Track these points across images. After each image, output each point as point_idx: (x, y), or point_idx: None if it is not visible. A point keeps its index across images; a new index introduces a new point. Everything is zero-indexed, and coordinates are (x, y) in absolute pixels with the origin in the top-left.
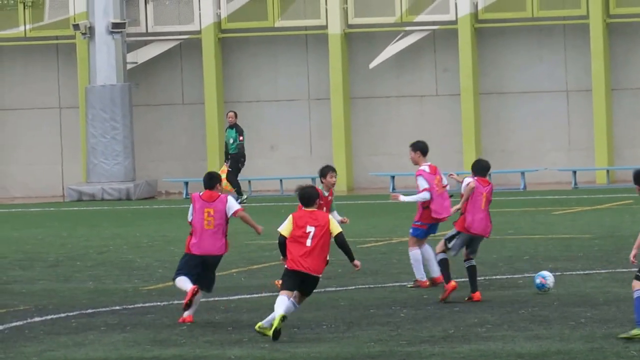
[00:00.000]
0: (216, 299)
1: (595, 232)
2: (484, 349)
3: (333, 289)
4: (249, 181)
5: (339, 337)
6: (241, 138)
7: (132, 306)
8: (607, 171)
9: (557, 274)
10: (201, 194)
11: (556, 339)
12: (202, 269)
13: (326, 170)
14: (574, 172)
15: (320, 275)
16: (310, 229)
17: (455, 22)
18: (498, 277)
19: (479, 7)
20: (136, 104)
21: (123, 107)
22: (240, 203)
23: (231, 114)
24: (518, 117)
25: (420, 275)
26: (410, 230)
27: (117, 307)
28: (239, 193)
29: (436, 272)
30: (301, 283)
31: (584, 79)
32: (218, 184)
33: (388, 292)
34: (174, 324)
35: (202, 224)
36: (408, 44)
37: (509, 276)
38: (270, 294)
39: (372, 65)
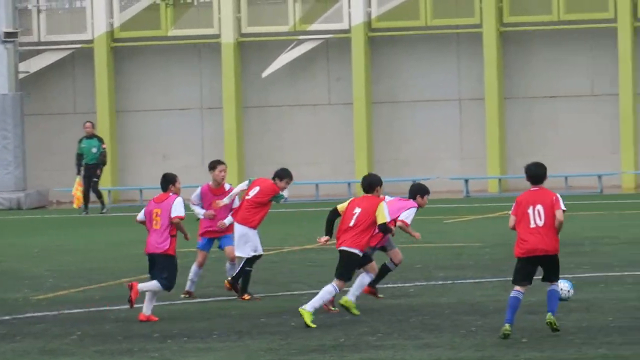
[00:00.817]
0: (107, 308)
1: (486, 240)
2: (375, 358)
3: (224, 298)
4: (140, 190)
5: (229, 347)
6: (104, 146)
7: (22, 316)
8: (499, 180)
9: (448, 282)
10: (155, 197)
11: (447, 347)
12: (152, 268)
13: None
14: (466, 181)
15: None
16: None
17: (348, 31)
18: (389, 285)
19: (373, 16)
20: (29, 113)
21: (15, 116)
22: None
23: (89, 124)
24: (411, 126)
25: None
26: None
27: (7, 317)
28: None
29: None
30: None
31: (477, 88)
32: (171, 185)
33: (279, 301)
34: (64, 334)
35: (151, 224)
36: (301, 53)
37: (400, 285)
38: (162, 302)
39: (265, 74)
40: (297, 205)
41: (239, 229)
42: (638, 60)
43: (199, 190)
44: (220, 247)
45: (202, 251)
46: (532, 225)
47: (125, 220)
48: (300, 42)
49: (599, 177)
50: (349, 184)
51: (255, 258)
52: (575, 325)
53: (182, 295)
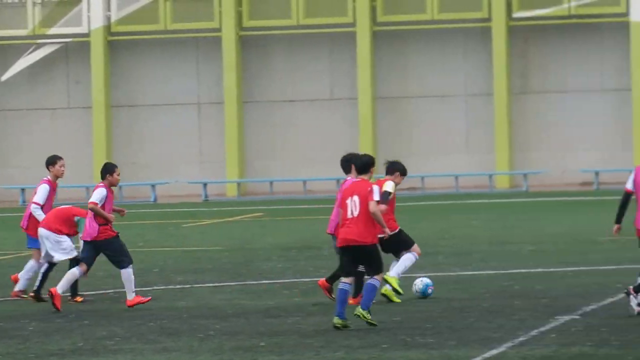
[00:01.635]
0: None
1: (225, 244)
2: None
3: None
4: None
5: None
6: None
7: None
8: (238, 184)
9: (186, 286)
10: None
11: (184, 351)
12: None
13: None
14: (205, 185)
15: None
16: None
17: (88, 35)
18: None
19: (112, 20)
20: None
21: None
22: None
23: None
24: (150, 129)
25: None
26: None
27: None
28: None
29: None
30: None
31: (217, 92)
32: (108, 175)
33: (17, 305)
34: None
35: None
36: (40, 57)
37: (138, 289)
38: None
39: (4, 77)
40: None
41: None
42: (376, 65)
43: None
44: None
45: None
46: (349, 215)
47: None
48: (40, 46)
49: (337, 181)
50: (86, 187)
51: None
52: (314, 328)
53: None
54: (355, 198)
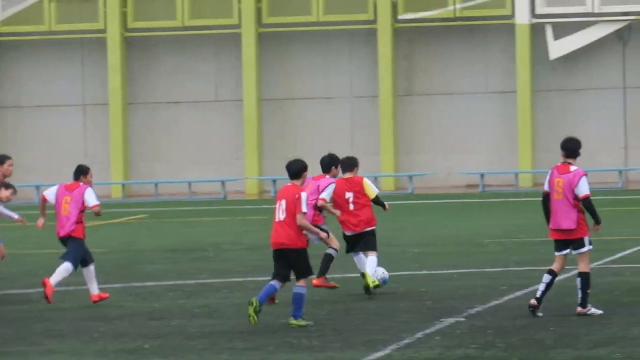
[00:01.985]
0: None
1: (109, 246)
2: None
3: None
4: None
5: None
6: None
7: None
8: (123, 185)
9: (70, 288)
10: (67, 184)
11: (69, 353)
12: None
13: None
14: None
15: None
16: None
17: None
18: (13, 291)
19: None
20: None
21: None
22: None
23: None
24: (35, 131)
25: None
26: None
27: None
28: None
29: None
30: None
31: (102, 94)
32: (82, 176)
33: None
34: None
35: (60, 210)
36: None
37: (21, 291)
38: None
39: None
40: None
41: None
42: (262, 66)
43: None
44: None
45: None
46: (277, 219)
47: None
48: None
49: (223, 182)
50: None
51: None
52: (198, 330)
53: None
54: (283, 202)
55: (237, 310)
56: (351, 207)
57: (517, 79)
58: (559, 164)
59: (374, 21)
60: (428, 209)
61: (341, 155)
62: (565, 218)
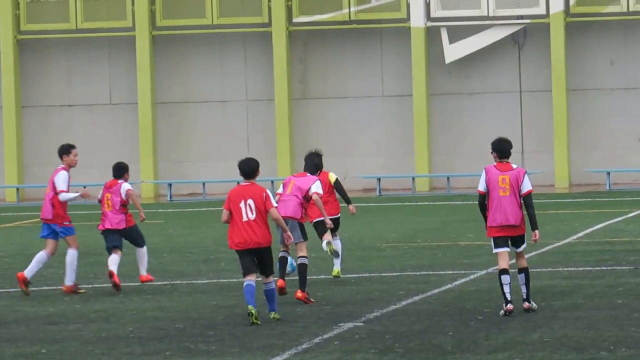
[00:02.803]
0: None
1: (4, 250)
2: None
3: None
4: None
5: None
6: None
7: None
8: (17, 189)
9: None
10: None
11: None
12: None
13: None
14: None
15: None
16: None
17: None
18: None
19: None
20: None
21: None
22: None
23: None
24: None
25: None
26: None
27: None
28: None
29: None
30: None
31: None
32: (126, 173)
33: None
34: None
35: (104, 207)
36: None
37: None
38: None
39: None
40: None
41: None
42: (156, 69)
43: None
44: None
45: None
46: (245, 219)
47: None
48: None
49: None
50: None
51: None
52: (95, 335)
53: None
54: (250, 202)
55: (133, 315)
56: None
57: (413, 83)
58: (496, 163)
59: (268, 24)
60: None
61: (236, 159)
62: (514, 214)
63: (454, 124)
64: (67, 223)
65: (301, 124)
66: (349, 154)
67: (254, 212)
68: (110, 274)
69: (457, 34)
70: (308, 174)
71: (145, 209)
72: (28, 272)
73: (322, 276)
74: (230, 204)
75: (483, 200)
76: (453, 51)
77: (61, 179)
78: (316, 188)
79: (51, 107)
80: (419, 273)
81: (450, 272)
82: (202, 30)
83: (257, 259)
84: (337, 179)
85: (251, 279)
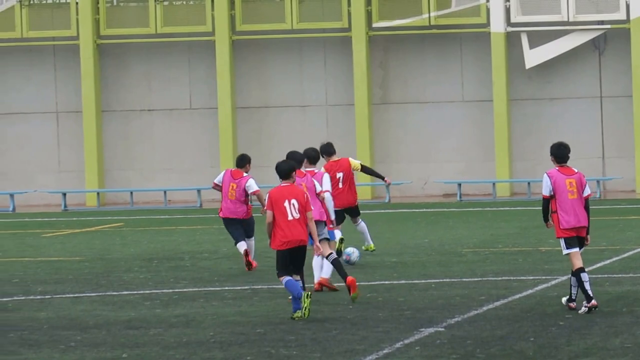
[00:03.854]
0: None
1: (85, 254)
2: None
3: None
4: None
5: None
6: None
7: None
8: (98, 193)
9: (46, 297)
10: (232, 170)
11: None
12: (231, 229)
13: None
14: (64, 194)
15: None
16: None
17: None
18: None
19: None
20: None
21: None
22: None
23: None
24: (7, 138)
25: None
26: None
27: None
28: None
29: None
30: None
31: (75, 100)
32: (247, 164)
33: None
34: None
35: (227, 194)
36: None
37: None
38: None
39: None
40: None
41: None
42: (236, 74)
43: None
44: None
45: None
46: (290, 217)
47: None
48: None
49: (198, 191)
50: None
51: None
52: (176, 340)
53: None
54: (294, 202)
55: (214, 320)
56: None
57: (493, 88)
58: (557, 167)
59: (348, 29)
60: (405, 218)
61: (320, 163)
62: (583, 215)
63: (534, 129)
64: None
65: (381, 129)
66: (429, 159)
67: (298, 212)
68: (246, 253)
69: (537, 39)
70: (313, 170)
71: None
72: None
73: (403, 281)
74: (273, 205)
75: (547, 205)
76: (533, 56)
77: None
78: (326, 185)
79: (131, 111)
80: (500, 278)
81: (531, 277)
82: (281, 35)
83: (295, 257)
84: (360, 162)
85: (289, 277)
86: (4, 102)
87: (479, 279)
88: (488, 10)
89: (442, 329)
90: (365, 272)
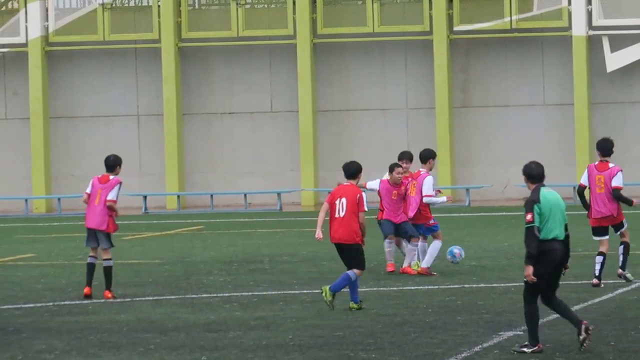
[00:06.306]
0: None
1: (165, 257)
2: None
3: None
4: None
5: None
6: None
7: None
8: (178, 196)
9: (126, 300)
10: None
11: None
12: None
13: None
14: (145, 197)
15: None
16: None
17: (25, 45)
18: (67, 302)
19: (50, 30)
20: None
21: None
22: None
23: None
24: (89, 141)
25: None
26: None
27: None
28: None
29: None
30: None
31: (156, 104)
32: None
33: None
34: None
35: (390, 196)
36: None
37: (78, 302)
38: None
39: None
40: None
41: None
42: (317, 77)
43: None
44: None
45: None
46: (337, 215)
47: None
48: None
49: (279, 194)
50: (26, 200)
51: None
52: (255, 343)
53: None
54: (343, 200)
55: (293, 323)
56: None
57: (574, 91)
58: (597, 162)
59: (429, 32)
60: (485, 222)
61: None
62: (608, 207)
63: (616, 133)
64: (432, 222)
65: (462, 133)
66: (510, 162)
67: (344, 210)
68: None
69: (618, 43)
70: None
71: (304, 217)
72: (425, 264)
73: (482, 285)
74: (331, 200)
75: (582, 191)
76: (615, 60)
77: (429, 184)
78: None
79: (212, 114)
80: (579, 282)
81: (611, 281)
82: (363, 39)
83: (341, 252)
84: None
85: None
86: (87, 105)
87: (560, 282)
88: (570, 13)
89: (521, 333)
90: (444, 276)
